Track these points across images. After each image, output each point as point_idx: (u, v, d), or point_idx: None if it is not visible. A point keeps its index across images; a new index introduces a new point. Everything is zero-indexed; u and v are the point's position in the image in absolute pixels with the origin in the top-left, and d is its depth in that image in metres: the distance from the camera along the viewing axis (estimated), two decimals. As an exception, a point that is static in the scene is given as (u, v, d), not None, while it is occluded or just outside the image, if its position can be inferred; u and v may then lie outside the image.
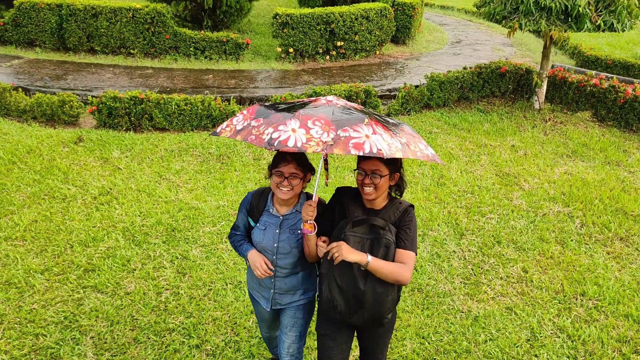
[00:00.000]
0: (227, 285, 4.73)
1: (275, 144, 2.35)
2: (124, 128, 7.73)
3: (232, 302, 4.54)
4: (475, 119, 9.01)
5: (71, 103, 7.81)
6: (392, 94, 10.10)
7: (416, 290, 4.83)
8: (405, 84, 9.54)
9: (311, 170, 2.93)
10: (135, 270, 4.83)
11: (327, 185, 2.91)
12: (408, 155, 2.47)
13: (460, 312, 4.61)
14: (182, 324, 4.27)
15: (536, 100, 9.63)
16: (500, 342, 4.26)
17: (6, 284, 4.55)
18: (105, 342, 4.07)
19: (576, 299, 4.75)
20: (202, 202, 6.02)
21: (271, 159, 3.03)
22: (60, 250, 5.01)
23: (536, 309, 4.64)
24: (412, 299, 4.70)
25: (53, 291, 4.52)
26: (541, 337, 4.32)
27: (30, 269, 4.72)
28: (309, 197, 3.10)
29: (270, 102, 2.79)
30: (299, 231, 2.89)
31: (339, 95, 8.47)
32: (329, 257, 2.62)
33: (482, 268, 5.17)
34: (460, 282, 4.98)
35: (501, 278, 5.03)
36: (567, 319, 4.51)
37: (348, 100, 8.55)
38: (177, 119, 7.87)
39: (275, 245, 2.98)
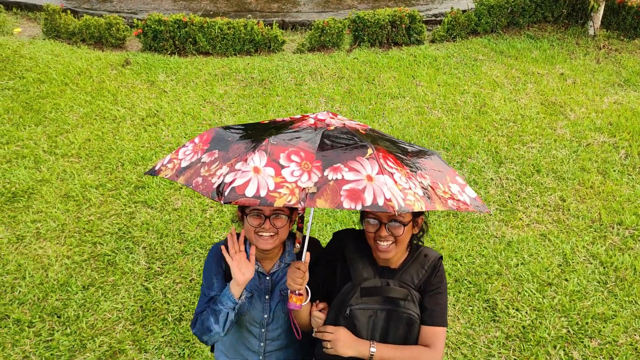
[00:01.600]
0: (268, 204, 4.96)
1: (226, 194, 1.63)
2: (169, 52, 7.86)
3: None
4: (524, 45, 8.70)
5: (118, 26, 7.94)
6: (438, 19, 9.79)
7: (451, 215, 4.94)
8: (452, 8, 9.22)
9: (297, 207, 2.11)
10: (182, 188, 5.09)
11: (300, 258, 2.05)
12: (435, 205, 1.77)
13: (494, 237, 4.71)
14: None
15: (591, 26, 9.17)
16: (531, 266, 4.37)
17: (65, 197, 4.90)
18: (156, 252, 4.40)
19: (612, 228, 4.77)
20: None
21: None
22: (112, 167, 5.31)
23: (570, 236, 4.69)
24: (447, 223, 4.82)
25: (107, 205, 4.84)
26: (573, 262, 4.41)
27: (86, 184, 5.05)
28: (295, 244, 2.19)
29: (237, 124, 2.06)
30: (287, 305, 2.08)
31: (381, 21, 8.30)
32: (324, 349, 2.02)
33: (519, 196, 5.21)
34: (496, 208, 5.05)
35: (538, 206, 5.07)
36: (602, 246, 4.56)
37: (392, 26, 8.38)
38: (220, 43, 7.93)
39: (266, 316, 2.22)
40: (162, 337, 3.72)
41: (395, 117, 6.49)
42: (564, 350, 3.72)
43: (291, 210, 2.10)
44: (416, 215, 2.04)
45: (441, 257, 2.17)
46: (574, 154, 5.83)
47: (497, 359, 3.67)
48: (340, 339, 2.00)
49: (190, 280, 4.16)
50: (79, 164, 5.34)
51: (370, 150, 1.76)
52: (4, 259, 4.23)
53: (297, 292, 2.01)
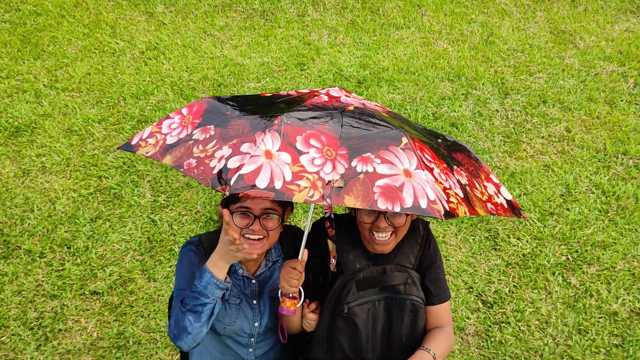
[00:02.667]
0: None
1: (232, 183, 1.34)
2: (167, -18, 7.61)
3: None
4: (534, -28, 8.37)
5: (113, -45, 7.68)
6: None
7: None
8: None
9: (289, 203, 1.87)
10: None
11: (334, 270, 1.79)
12: (476, 210, 1.52)
13: (498, 168, 4.72)
14: (230, 171, 4.58)
15: (605, -49, 8.77)
16: (534, 197, 4.40)
17: (68, 131, 4.90)
18: (161, 186, 4.44)
19: (617, 158, 4.76)
20: (246, 58, 6.07)
21: None
22: (114, 102, 5.27)
23: (574, 166, 4.69)
24: (451, 155, 4.82)
25: (111, 139, 4.85)
26: (575, 192, 4.43)
27: (88, 118, 5.03)
28: (285, 240, 1.98)
29: (233, 95, 1.72)
30: (278, 310, 1.81)
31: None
32: None
33: (524, 127, 5.17)
34: (501, 140, 5.02)
35: (542, 137, 5.04)
36: (605, 176, 4.56)
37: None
38: (220, -27, 7.66)
39: (257, 324, 1.94)
40: (170, 267, 3.82)
41: (400, 48, 6.35)
42: (562, 276, 3.80)
43: (283, 209, 1.81)
44: None
45: (428, 223, 2.02)
46: (581, 83, 5.73)
47: (496, 285, 3.77)
48: None
49: (196, 213, 4.22)
50: (80, 98, 5.30)
51: (405, 140, 1.48)
52: (12, 193, 4.28)
53: (290, 295, 1.74)
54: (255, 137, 1.41)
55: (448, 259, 3.95)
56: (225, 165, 1.39)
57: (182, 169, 1.46)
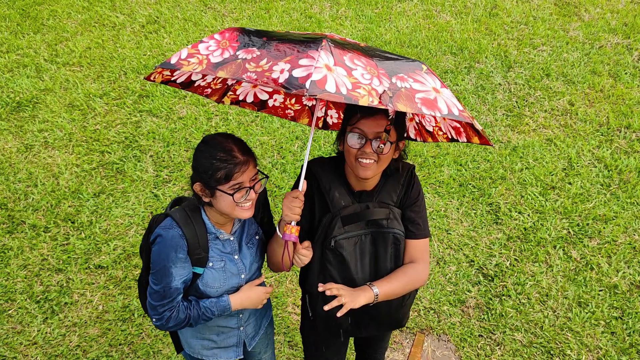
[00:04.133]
0: (273, 112, 4.94)
1: (308, 86, 1.43)
2: (166, -46, 7.50)
3: (277, 128, 4.76)
4: (540, -58, 8.22)
5: None
6: None
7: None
8: None
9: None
10: (186, 97, 5.05)
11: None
12: (475, 123, 1.76)
13: (500, 142, 4.71)
14: (232, 145, 4.57)
15: None
16: (536, 171, 4.40)
17: (70, 106, 4.88)
18: (163, 161, 4.45)
19: (620, 132, 4.74)
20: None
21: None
22: (115, 76, 5.24)
23: (577, 140, 4.68)
24: (453, 129, 4.80)
25: (112, 114, 4.84)
26: (578, 166, 4.43)
27: (89, 93, 5.01)
28: None
29: (257, 29, 1.78)
30: (282, 237, 1.91)
31: None
32: (326, 309, 1.85)
33: (526, 101, 5.14)
34: (503, 114, 5.00)
35: (545, 111, 5.02)
36: (607, 150, 4.55)
37: None
38: (219, -56, 7.53)
39: (243, 276, 2.07)
40: (174, 240, 3.85)
41: (402, 21, 6.28)
42: (563, 249, 3.83)
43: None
44: (400, 137, 1.95)
45: (414, 167, 2.11)
46: (585, 56, 5.68)
47: (497, 258, 3.80)
48: (348, 293, 1.88)
49: (199, 187, 4.23)
50: (81, 72, 5.28)
51: (424, 67, 1.72)
52: (15, 168, 4.30)
53: (292, 222, 1.86)
54: (310, 54, 1.54)
55: (449, 233, 3.98)
56: (291, 75, 1.48)
57: (243, 79, 1.54)
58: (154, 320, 1.92)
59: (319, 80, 1.44)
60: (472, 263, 3.80)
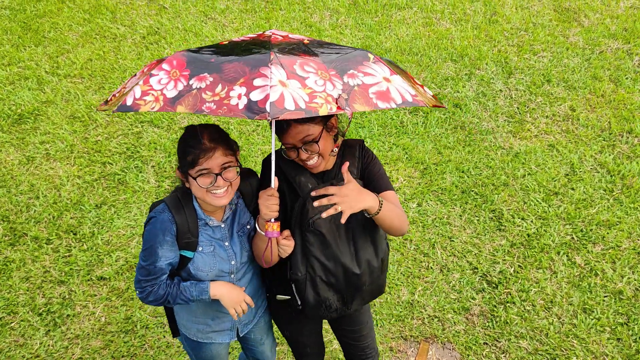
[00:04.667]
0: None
1: (269, 109, 1.48)
2: (166, -35, 7.54)
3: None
4: (538, -51, 8.25)
5: (111, -61, 7.60)
6: None
7: (459, 127, 4.90)
8: None
9: (238, 147, 2.04)
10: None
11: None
12: (427, 100, 1.80)
13: (502, 148, 4.70)
14: (234, 155, 4.57)
15: None
16: (538, 177, 4.39)
17: (71, 117, 4.90)
18: (165, 171, 4.45)
19: (622, 136, 4.73)
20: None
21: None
22: (116, 87, 5.26)
23: (579, 146, 4.67)
24: (455, 136, 4.80)
25: (114, 125, 4.85)
26: (580, 172, 4.41)
27: (91, 104, 5.03)
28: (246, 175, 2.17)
29: (201, 47, 1.79)
30: (264, 234, 1.94)
31: None
32: (324, 216, 1.84)
33: (528, 106, 5.13)
34: (505, 120, 5.00)
35: (547, 116, 5.01)
36: (610, 155, 4.54)
37: None
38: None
39: (233, 262, 2.14)
40: (176, 251, 3.84)
41: (402, 29, 6.30)
42: (567, 255, 3.81)
43: (236, 157, 1.99)
44: (326, 120, 1.97)
45: (363, 141, 2.22)
46: (586, 62, 5.68)
47: (501, 265, 3.78)
48: (348, 194, 1.84)
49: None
50: (82, 84, 5.29)
51: (371, 55, 1.77)
52: (17, 180, 4.30)
53: (272, 219, 1.90)
54: (262, 72, 1.56)
55: (452, 240, 3.96)
56: (250, 99, 1.51)
57: (201, 111, 1.55)
58: (137, 292, 2.06)
59: (277, 100, 1.49)
60: (476, 270, 3.78)
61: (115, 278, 3.68)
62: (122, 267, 3.74)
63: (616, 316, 3.46)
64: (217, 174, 1.89)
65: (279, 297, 2.25)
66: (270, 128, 1.94)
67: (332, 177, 2.13)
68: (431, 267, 3.81)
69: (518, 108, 5.12)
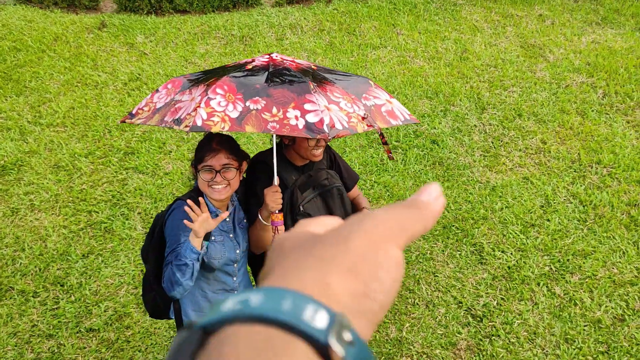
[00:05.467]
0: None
1: (327, 130, 1.88)
2: (145, 11, 7.70)
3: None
4: (502, -13, 8.64)
5: (89, -13, 7.75)
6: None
7: (437, 163, 5.06)
8: (429, -49, 9.06)
9: (246, 157, 2.41)
10: (171, 152, 5.14)
11: (392, 159, 2.65)
12: (377, 124, 2.11)
13: (479, 182, 4.87)
14: (219, 199, 4.64)
15: (569, -36, 9.10)
16: (515, 209, 4.55)
17: (55, 167, 4.93)
18: (152, 217, 4.48)
19: (591, 167, 4.94)
20: (228, 84, 6.17)
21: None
22: (99, 135, 5.32)
23: (552, 177, 4.86)
24: (433, 172, 4.96)
25: (98, 173, 4.89)
26: (554, 203, 4.59)
27: (74, 153, 5.07)
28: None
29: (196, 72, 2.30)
30: (269, 223, 2.35)
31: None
32: None
33: (502, 141, 5.34)
34: (480, 155, 5.18)
35: (520, 150, 5.21)
36: (581, 186, 4.74)
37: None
38: (198, 0, 7.77)
39: (238, 251, 2.45)
40: (165, 298, 3.86)
41: (378, 67, 6.51)
42: (547, 286, 3.94)
43: (240, 162, 2.32)
44: None
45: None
46: (553, 96, 5.94)
47: (485, 298, 3.89)
48: None
49: (187, 242, 4.27)
50: (65, 133, 5.34)
51: (371, 82, 2.19)
52: (1, 233, 4.30)
53: (277, 211, 2.29)
54: (309, 99, 1.95)
55: (436, 275, 4.06)
56: (307, 121, 1.91)
57: (270, 132, 1.91)
58: (164, 286, 2.22)
59: (329, 123, 1.88)
60: (461, 304, 3.88)
61: (104, 329, 3.68)
62: (111, 317, 3.74)
63: (597, 345, 3.58)
64: (217, 171, 2.23)
65: None
66: (271, 139, 2.36)
67: (310, 169, 2.53)
68: (417, 303, 3.90)
69: (492, 142, 5.32)
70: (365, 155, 5.15)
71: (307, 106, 1.90)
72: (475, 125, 5.55)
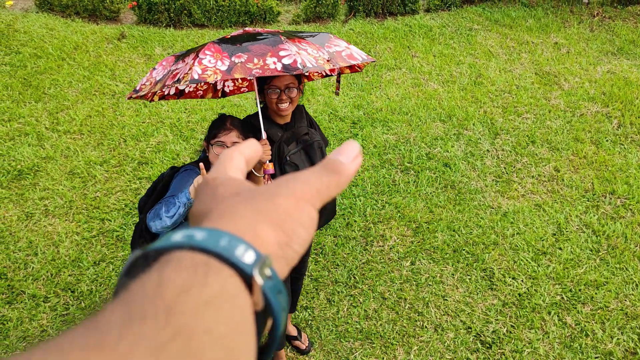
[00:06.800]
0: (270, 178, 5.07)
1: (300, 67, 2.28)
2: (164, 24, 7.81)
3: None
4: (518, 14, 8.71)
5: (111, -2, 7.88)
6: (433, -13, 9.74)
7: (449, 187, 5.07)
8: (447, -24, 9.18)
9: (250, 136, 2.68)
10: (185, 163, 5.17)
11: (337, 95, 2.94)
12: (340, 65, 2.54)
13: (491, 208, 4.86)
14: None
15: (585, -6, 9.18)
16: (527, 236, 4.53)
17: (70, 174, 4.97)
18: (163, 228, 4.50)
19: (605, 197, 4.93)
20: (243, 99, 6.23)
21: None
22: (115, 144, 5.37)
23: (564, 206, 4.85)
24: (445, 195, 4.96)
25: (112, 181, 4.93)
26: (567, 232, 4.57)
27: (90, 160, 5.12)
28: None
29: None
30: (264, 174, 2.65)
31: (378, -11, 8.27)
32: None
33: (514, 167, 5.34)
34: (492, 180, 5.18)
35: (533, 176, 5.21)
36: (594, 215, 4.72)
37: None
38: (216, 15, 7.88)
39: None
40: (174, 309, 3.86)
41: (392, 89, 6.56)
42: (558, 316, 3.91)
43: (245, 137, 2.62)
44: (300, 81, 2.76)
45: (302, 105, 2.98)
46: (567, 124, 5.95)
47: (494, 325, 3.86)
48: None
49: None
50: (82, 140, 5.39)
51: (331, 35, 2.70)
52: (15, 236, 4.33)
53: (267, 161, 2.62)
54: (282, 47, 2.35)
55: (446, 299, 4.05)
56: (283, 63, 2.28)
57: (255, 75, 2.22)
58: (160, 212, 2.42)
59: (301, 62, 2.28)
60: (470, 330, 3.85)
61: (113, 337, 3.68)
62: (119, 326, 3.74)
63: (607, 377, 3.54)
64: (228, 147, 2.38)
65: None
66: (257, 94, 2.74)
67: (292, 127, 2.86)
68: (426, 326, 3.88)
69: (505, 168, 5.32)
70: (377, 176, 5.16)
71: (281, 53, 2.30)
72: (488, 150, 5.56)
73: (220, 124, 2.57)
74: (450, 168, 5.30)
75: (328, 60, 2.39)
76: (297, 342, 3.68)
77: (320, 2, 8.10)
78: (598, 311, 3.93)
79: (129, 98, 2.59)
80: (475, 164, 5.36)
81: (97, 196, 4.76)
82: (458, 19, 8.48)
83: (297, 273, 3.42)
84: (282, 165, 2.78)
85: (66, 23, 7.54)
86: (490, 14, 8.71)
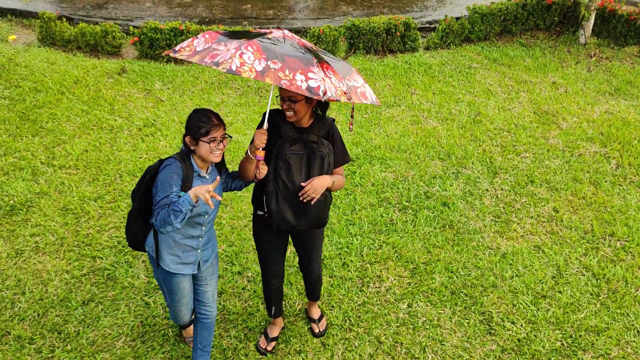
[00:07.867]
0: (266, 216, 5.00)
1: (321, 94, 2.56)
2: (165, 59, 7.87)
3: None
4: (516, 53, 8.79)
5: (114, 33, 7.95)
6: (432, 26, 9.86)
7: (447, 226, 5.00)
8: (446, 16, 9.29)
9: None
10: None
11: (350, 131, 3.06)
12: (352, 100, 2.75)
13: (489, 248, 4.78)
14: (225, 251, 4.58)
15: (582, 34, 9.27)
16: (526, 278, 4.44)
17: (63, 209, 4.91)
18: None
19: (604, 239, 4.86)
20: (241, 134, 6.22)
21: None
22: (110, 179, 5.33)
23: (564, 247, 4.77)
24: (443, 235, 4.89)
25: (106, 218, 4.87)
26: (566, 274, 4.49)
27: (84, 196, 5.07)
28: None
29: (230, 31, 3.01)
30: (253, 157, 2.95)
31: (376, 29, 8.36)
32: (303, 199, 3.06)
33: (513, 207, 5.28)
34: (491, 220, 5.12)
35: (532, 217, 5.15)
36: (594, 258, 4.64)
37: (387, 34, 8.44)
38: (216, 51, 7.95)
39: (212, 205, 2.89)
40: (163, 352, 3.75)
41: (391, 126, 6.55)
42: (558, 363, 3.79)
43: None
44: (308, 98, 2.93)
45: (334, 120, 3.23)
46: (566, 164, 5.92)
47: (493, 372, 3.74)
48: (316, 183, 3.05)
49: (190, 295, 4.18)
50: (77, 175, 5.36)
51: (353, 68, 2.96)
52: (4, 274, 4.24)
53: (260, 148, 2.90)
54: (311, 69, 2.62)
55: (443, 344, 3.93)
56: (309, 85, 2.56)
57: (282, 85, 2.50)
58: (154, 221, 2.75)
59: (324, 89, 2.56)
60: (468, 377, 3.73)
61: (98, 381, 3.56)
62: (106, 369, 3.63)
63: None
64: (220, 141, 2.84)
65: (258, 212, 3.30)
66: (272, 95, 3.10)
67: (307, 131, 3.09)
68: (422, 373, 3.75)
69: (504, 208, 5.26)
70: (375, 214, 5.10)
71: (309, 74, 2.57)
72: (487, 189, 5.51)
73: (207, 121, 2.80)
74: (448, 207, 5.24)
75: (345, 93, 2.67)
76: (313, 325, 3.97)
77: (320, 39, 8.18)
78: (599, 358, 3.81)
79: (166, 54, 2.89)
80: (474, 204, 5.31)
81: (90, 233, 4.69)
82: (457, 57, 8.55)
83: (307, 259, 3.62)
84: (278, 160, 3.06)
85: (67, 57, 7.60)
86: (488, 52, 8.79)
